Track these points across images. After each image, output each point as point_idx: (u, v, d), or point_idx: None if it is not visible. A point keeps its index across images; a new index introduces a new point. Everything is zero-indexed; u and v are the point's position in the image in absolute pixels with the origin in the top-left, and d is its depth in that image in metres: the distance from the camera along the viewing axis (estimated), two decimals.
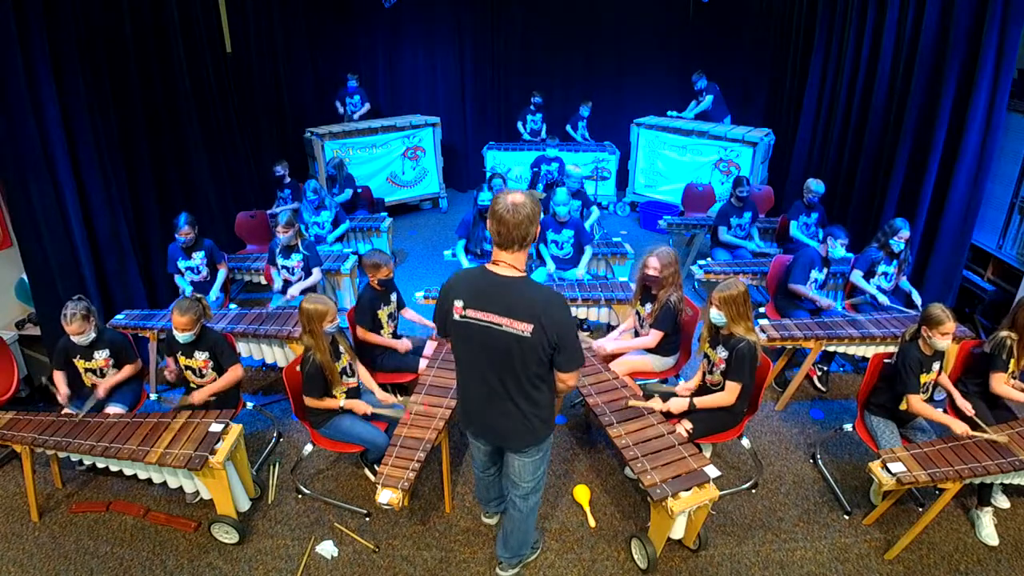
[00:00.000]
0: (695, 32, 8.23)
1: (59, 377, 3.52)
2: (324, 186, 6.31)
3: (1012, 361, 3.22)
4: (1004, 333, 3.22)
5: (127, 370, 3.58)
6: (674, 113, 7.73)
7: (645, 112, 7.87)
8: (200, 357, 3.42)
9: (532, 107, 8.23)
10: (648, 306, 3.68)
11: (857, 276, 4.44)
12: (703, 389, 3.31)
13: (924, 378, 3.14)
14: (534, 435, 2.44)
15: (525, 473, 2.57)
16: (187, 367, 3.46)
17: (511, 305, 2.17)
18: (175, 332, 3.33)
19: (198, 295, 3.53)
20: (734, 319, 3.07)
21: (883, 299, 4.33)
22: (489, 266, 2.24)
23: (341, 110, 8.00)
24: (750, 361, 3.06)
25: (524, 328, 2.16)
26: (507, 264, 2.21)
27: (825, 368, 4.42)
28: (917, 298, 4.33)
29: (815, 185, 5.27)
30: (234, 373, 3.47)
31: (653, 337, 3.64)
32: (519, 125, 8.32)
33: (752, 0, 7.74)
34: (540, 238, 4.99)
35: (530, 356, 2.22)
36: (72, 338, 3.34)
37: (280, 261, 4.68)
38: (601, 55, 8.58)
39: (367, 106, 8.06)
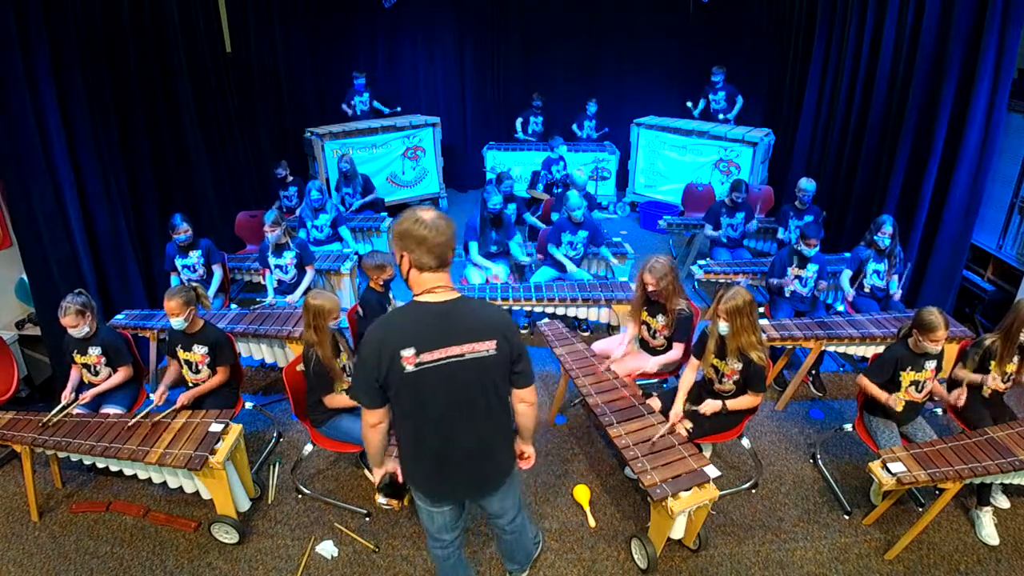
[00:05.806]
0: (695, 32, 8.22)
1: (75, 374, 3.55)
2: (326, 187, 6.30)
3: (993, 364, 3.26)
4: (989, 340, 3.27)
5: (116, 378, 3.51)
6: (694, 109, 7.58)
7: (645, 112, 7.86)
8: (199, 351, 3.42)
9: (534, 109, 8.18)
10: (660, 317, 3.65)
11: (845, 276, 4.53)
12: (710, 395, 3.29)
13: (909, 376, 3.15)
14: (511, 461, 2.33)
15: (507, 503, 2.47)
16: (185, 361, 3.47)
17: (468, 329, 1.99)
18: (170, 320, 3.34)
19: (193, 284, 3.53)
20: (737, 332, 3.03)
21: (849, 293, 4.46)
22: (422, 298, 1.99)
23: (349, 112, 7.81)
24: (764, 374, 3.10)
25: (488, 347, 2.01)
26: (444, 287, 2.00)
27: (814, 372, 4.42)
28: (849, 289, 4.45)
29: (806, 184, 5.27)
30: (222, 375, 3.50)
31: (678, 350, 3.66)
32: (518, 124, 8.26)
33: (752, 0, 7.74)
34: (555, 239, 4.99)
35: (497, 374, 2.07)
36: (68, 331, 3.35)
37: (272, 261, 4.68)
38: (601, 55, 8.56)
39: (374, 103, 7.94)
